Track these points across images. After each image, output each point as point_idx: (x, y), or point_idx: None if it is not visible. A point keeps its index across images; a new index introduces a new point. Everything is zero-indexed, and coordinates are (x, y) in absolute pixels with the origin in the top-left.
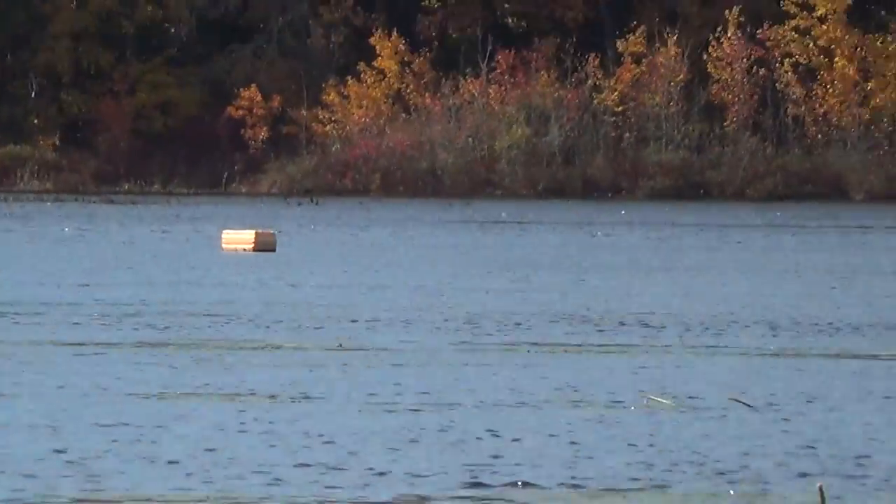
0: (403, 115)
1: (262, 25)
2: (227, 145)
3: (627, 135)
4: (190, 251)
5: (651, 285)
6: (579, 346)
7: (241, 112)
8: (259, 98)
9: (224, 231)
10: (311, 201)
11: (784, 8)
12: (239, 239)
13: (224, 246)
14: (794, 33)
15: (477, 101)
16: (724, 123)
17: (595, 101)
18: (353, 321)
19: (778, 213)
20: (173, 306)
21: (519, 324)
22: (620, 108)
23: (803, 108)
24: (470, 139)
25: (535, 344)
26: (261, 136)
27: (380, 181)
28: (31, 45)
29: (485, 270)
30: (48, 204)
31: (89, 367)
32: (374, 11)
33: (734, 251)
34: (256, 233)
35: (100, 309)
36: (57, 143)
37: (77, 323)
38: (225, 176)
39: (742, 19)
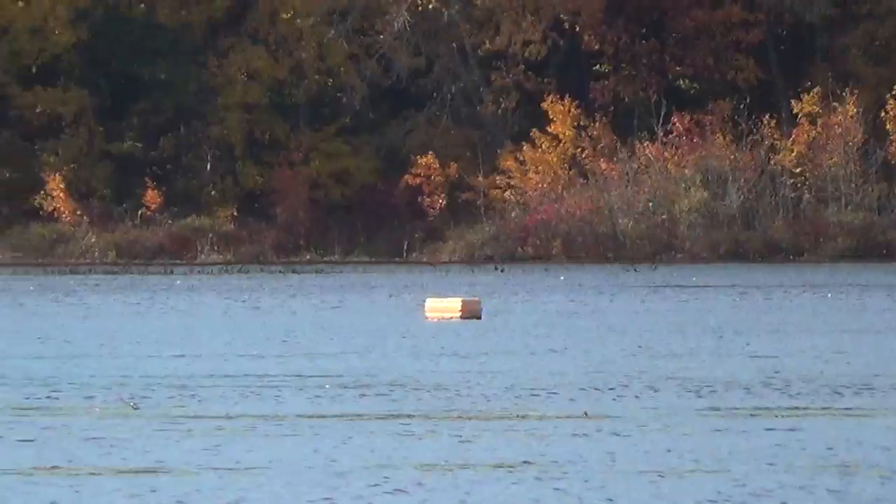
0: (580, 179)
1: (434, 94)
2: (405, 213)
3: (807, 196)
4: (395, 320)
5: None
6: (845, 409)
7: (418, 180)
8: (436, 165)
9: (427, 299)
10: (497, 269)
11: None
12: (444, 307)
13: (428, 314)
14: None
15: (654, 165)
16: None
17: (772, 163)
18: (594, 388)
19: None
20: (401, 376)
21: (769, 384)
22: (798, 170)
23: None
24: (649, 203)
25: (792, 408)
26: (439, 204)
27: (560, 246)
28: (203, 117)
29: (698, 333)
30: (232, 275)
31: (335, 440)
32: (546, 77)
33: None
34: (463, 301)
35: (330, 380)
36: (235, 213)
37: (318, 396)
38: (405, 244)
39: None
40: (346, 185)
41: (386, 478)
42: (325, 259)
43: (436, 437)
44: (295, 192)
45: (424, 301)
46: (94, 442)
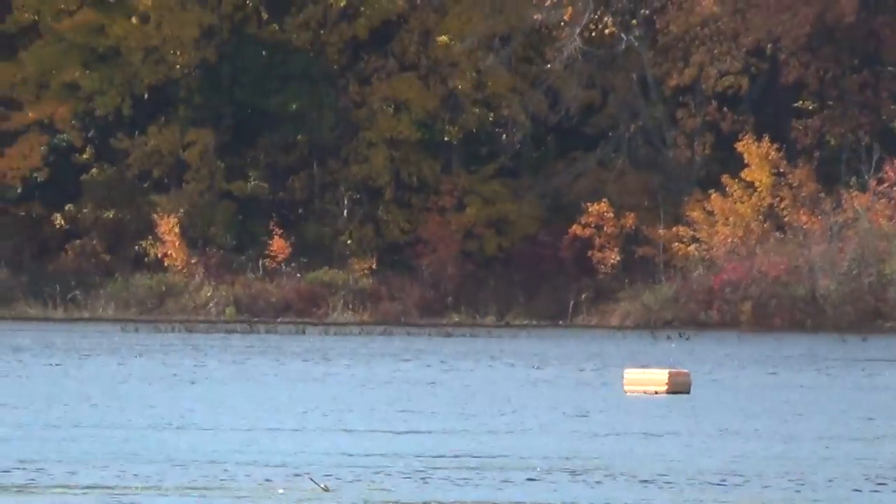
0: (777, 233)
1: (609, 133)
2: (571, 269)
3: None
4: (590, 394)
5: None
6: None
7: (588, 231)
8: (610, 215)
9: (627, 370)
10: (681, 336)
11: None
12: (649, 380)
13: (627, 388)
14: None
15: (862, 218)
16: None
17: None
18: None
19: None
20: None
21: None
22: None
23: None
24: (855, 262)
25: None
26: (611, 260)
27: (751, 311)
28: (341, 154)
29: None
30: (370, 336)
31: None
32: (741, 115)
33: None
34: (670, 373)
35: (548, 462)
36: (373, 266)
37: (532, 479)
38: (571, 305)
39: None
40: (505, 235)
41: None
42: (476, 322)
43: None
44: (444, 242)
45: (622, 373)
46: None
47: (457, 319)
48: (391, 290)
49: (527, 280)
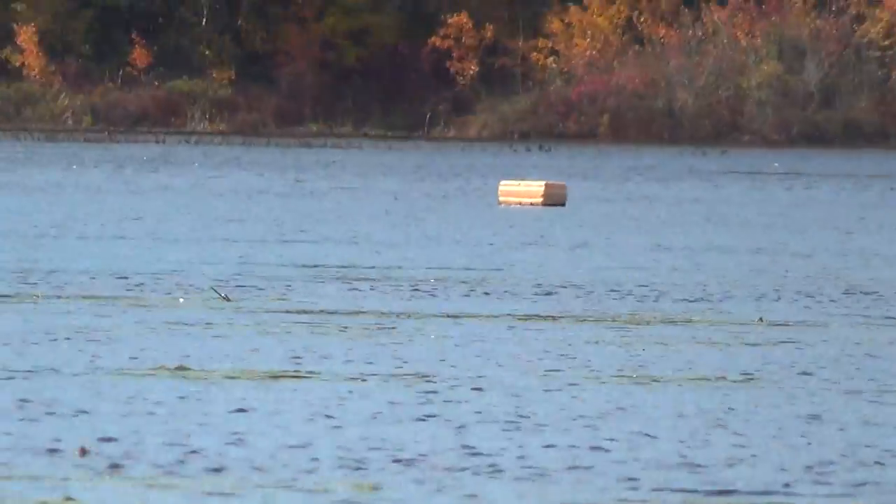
0: (635, 47)
1: None
2: (429, 81)
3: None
4: (468, 205)
5: None
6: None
7: (447, 42)
8: (469, 26)
9: (502, 182)
10: (541, 147)
11: None
12: (525, 192)
13: (502, 199)
14: None
15: (721, 33)
16: None
17: (857, 34)
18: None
19: None
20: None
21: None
22: (887, 42)
23: None
24: (713, 76)
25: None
26: (470, 71)
27: (608, 123)
28: None
29: (828, 229)
30: (232, 146)
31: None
32: None
33: None
34: (547, 184)
35: (453, 274)
36: (232, 77)
37: (415, 289)
38: (428, 117)
39: None
40: (364, 46)
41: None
42: (332, 132)
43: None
44: (303, 53)
45: (497, 185)
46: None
47: (314, 130)
48: (249, 100)
49: (385, 91)
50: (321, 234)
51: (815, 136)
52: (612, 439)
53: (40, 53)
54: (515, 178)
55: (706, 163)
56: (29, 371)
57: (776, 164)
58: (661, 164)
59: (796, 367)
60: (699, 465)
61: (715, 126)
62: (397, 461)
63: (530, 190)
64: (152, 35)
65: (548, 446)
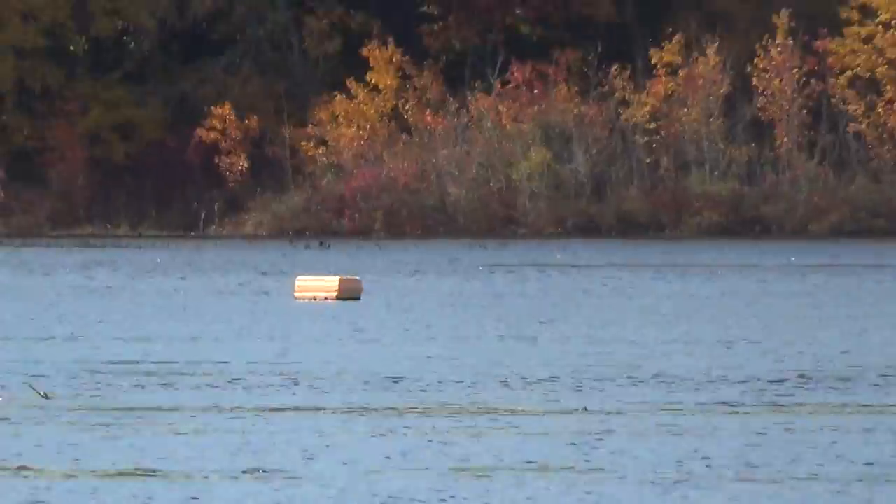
0: (403, 135)
1: (238, 36)
2: (200, 178)
3: (665, 160)
4: (263, 302)
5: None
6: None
7: (213, 134)
8: (233, 118)
9: (299, 278)
10: (321, 244)
11: (842, 14)
12: (319, 286)
13: (298, 294)
14: (854, 42)
15: (486, 119)
16: (776, 144)
17: (622, 118)
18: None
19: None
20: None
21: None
22: (652, 126)
23: (864, 125)
24: (483, 168)
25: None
26: (239, 167)
27: (383, 219)
28: None
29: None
30: (11, 250)
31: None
32: (368, 18)
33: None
34: (341, 279)
35: (253, 367)
36: (3, 177)
37: (245, 386)
38: (203, 215)
39: (793, 24)
40: (131, 140)
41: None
42: (108, 233)
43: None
44: (72, 148)
45: (293, 281)
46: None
47: (90, 231)
48: (21, 202)
49: (157, 190)
50: (129, 332)
51: (590, 228)
52: None
53: None
54: (307, 275)
55: (486, 257)
56: None
57: (558, 256)
58: (439, 259)
59: None
60: None
61: (489, 220)
62: None
63: (325, 284)
64: None
65: None
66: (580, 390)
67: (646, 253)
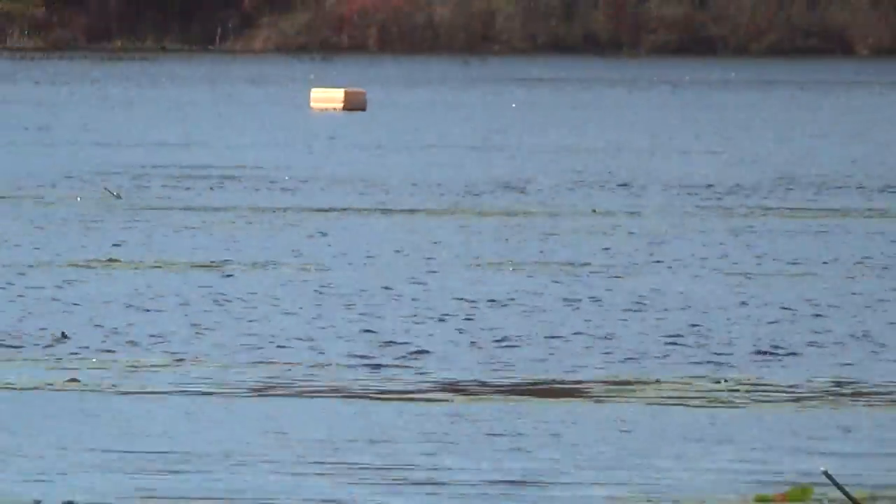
0: None
1: None
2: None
3: None
4: (284, 111)
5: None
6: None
7: None
8: None
9: (313, 89)
10: (323, 59)
11: None
12: (329, 97)
13: (313, 105)
14: None
15: None
16: None
17: None
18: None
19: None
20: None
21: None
22: None
23: None
24: None
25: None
26: None
27: (377, 36)
28: None
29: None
30: (50, 61)
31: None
32: None
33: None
34: (346, 91)
35: (282, 172)
36: None
37: (286, 188)
38: (219, 32)
39: None
40: None
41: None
42: (136, 46)
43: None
44: None
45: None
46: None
47: (120, 44)
48: (62, 19)
49: (181, 8)
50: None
51: (558, 46)
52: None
53: None
54: (321, 87)
55: (469, 71)
56: None
57: (536, 72)
58: (433, 72)
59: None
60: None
61: (469, 38)
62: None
63: (332, 96)
64: None
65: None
66: (572, 191)
67: (609, 69)
